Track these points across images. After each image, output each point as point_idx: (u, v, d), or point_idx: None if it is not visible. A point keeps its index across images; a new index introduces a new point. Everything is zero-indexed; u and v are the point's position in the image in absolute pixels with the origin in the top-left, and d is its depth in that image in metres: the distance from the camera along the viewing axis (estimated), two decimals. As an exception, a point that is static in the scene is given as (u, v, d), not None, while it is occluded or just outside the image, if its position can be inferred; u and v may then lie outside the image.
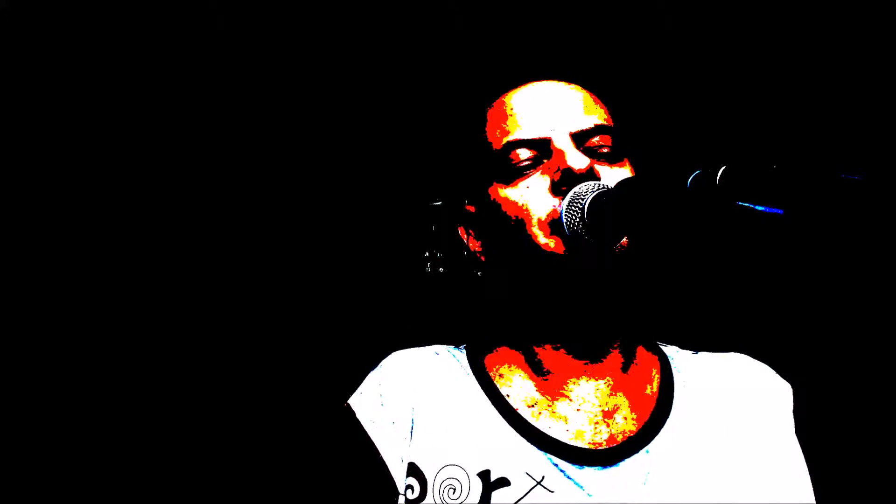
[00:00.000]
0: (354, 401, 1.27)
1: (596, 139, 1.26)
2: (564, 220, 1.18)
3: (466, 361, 1.31)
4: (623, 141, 1.30)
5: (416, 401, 1.25)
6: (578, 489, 1.18)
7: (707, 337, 1.44)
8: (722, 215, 0.96)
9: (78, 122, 1.89)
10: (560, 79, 1.33)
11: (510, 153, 1.25)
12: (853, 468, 1.44)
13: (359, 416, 1.24)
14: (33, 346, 1.85)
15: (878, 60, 1.85)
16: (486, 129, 1.31)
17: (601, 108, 1.31)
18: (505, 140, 1.26)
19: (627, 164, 1.29)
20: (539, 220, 1.21)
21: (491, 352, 1.32)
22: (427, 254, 1.39)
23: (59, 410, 1.84)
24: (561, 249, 1.20)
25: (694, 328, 1.59)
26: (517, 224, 1.22)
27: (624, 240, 1.21)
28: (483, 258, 1.32)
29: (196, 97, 1.91)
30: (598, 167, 1.23)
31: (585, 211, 1.15)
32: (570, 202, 1.18)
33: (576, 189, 1.19)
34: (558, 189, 1.21)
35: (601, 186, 1.18)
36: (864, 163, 1.80)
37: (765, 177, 0.94)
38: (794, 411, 1.30)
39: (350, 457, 1.23)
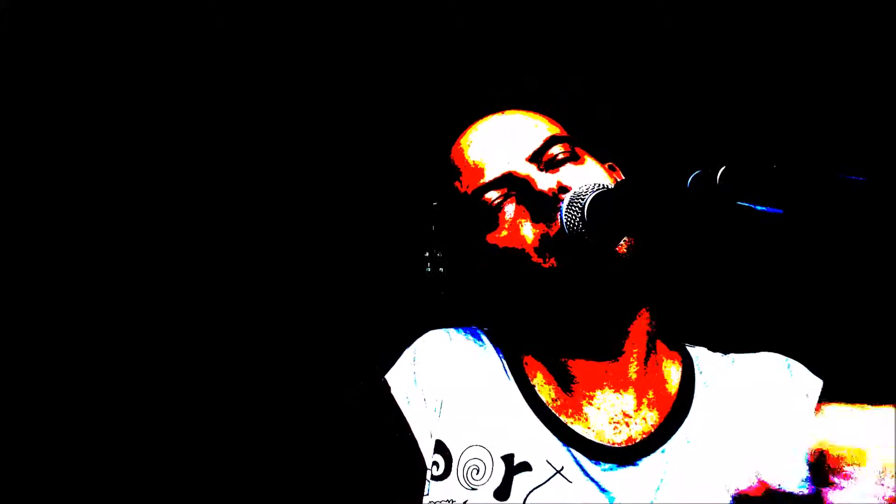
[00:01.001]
0: (391, 377, 1.28)
1: (551, 150, 1.29)
2: (564, 220, 1.18)
3: (503, 349, 1.33)
4: (577, 139, 1.32)
5: (447, 380, 1.27)
6: (595, 485, 1.19)
7: (704, 338, 1.44)
8: (722, 215, 0.96)
9: (78, 122, 1.89)
10: (498, 111, 1.37)
11: (481, 198, 1.28)
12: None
13: (393, 392, 1.26)
14: (33, 346, 1.85)
15: (878, 60, 1.86)
16: (455, 185, 1.33)
17: (543, 118, 1.34)
18: (473, 190, 1.29)
19: (587, 156, 1.31)
20: (531, 246, 1.23)
21: (525, 345, 1.33)
22: (427, 254, 1.39)
23: (59, 410, 1.84)
24: (556, 264, 1.21)
25: (692, 329, 1.59)
26: (516, 258, 1.24)
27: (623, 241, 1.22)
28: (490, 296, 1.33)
29: (196, 97, 1.91)
30: (565, 175, 1.26)
31: (585, 211, 1.16)
32: (570, 202, 1.18)
33: (575, 189, 1.20)
34: (538, 216, 1.23)
35: (601, 186, 1.18)
36: (865, 163, 1.80)
37: (765, 177, 0.94)
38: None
39: (383, 432, 1.25)
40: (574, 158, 1.29)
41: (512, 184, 1.27)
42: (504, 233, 1.26)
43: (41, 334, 1.86)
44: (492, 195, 1.27)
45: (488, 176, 1.28)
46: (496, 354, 1.32)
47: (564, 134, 1.33)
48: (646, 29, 1.92)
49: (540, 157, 1.28)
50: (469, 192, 1.30)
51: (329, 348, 1.87)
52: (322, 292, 1.93)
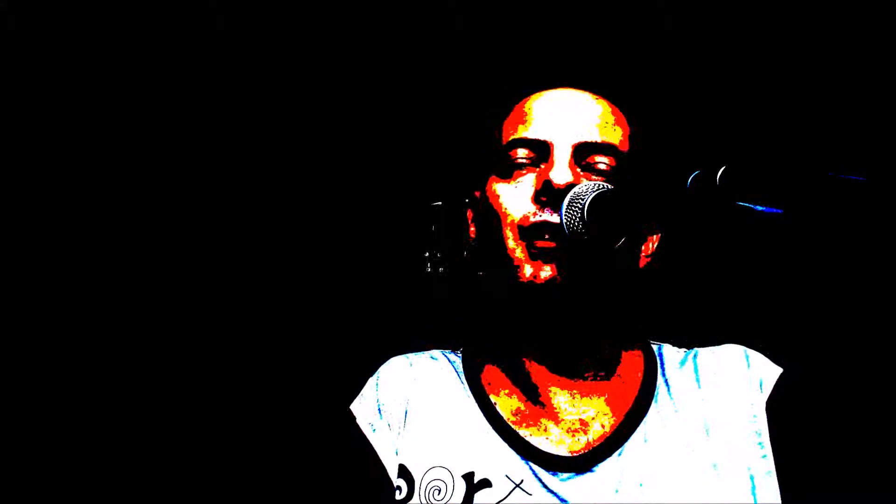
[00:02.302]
0: (355, 406, 1.31)
1: (598, 157, 1.26)
2: (564, 220, 1.18)
3: (462, 368, 1.34)
4: (629, 167, 1.28)
5: (409, 405, 1.29)
6: (554, 496, 1.20)
7: (706, 337, 1.44)
8: (722, 215, 0.96)
9: (78, 122, 1.88)
10: (591, 89, 1.33)
11: (511, 150, 1.27)
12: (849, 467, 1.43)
13: (359, 421, 1.28)
14: (33, 346, 1.85)
15: (878, 60, 1.85)
16: (503, 126, 1.32)
17: (620, 128, 1.30)
18: (510, 137, 1.28)
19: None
20: (512, 221, 1.23)
21: (484, 360, 1.34)
22: (427, 254, 1.40)
23: (59, 411, 1.84)
24: (520, 260, 1.22)
25: (692, 330, 1.59)
26: (497, 221, 1.25)
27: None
28: (475, 245, 1.35)
29: (196, 97, 1.91)
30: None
31: (585, 211, 1.16)
32: (570, 202, 1.18)
33: (576, 189, 1.19)
34: (538, 198, 1.23)
35: (601, 187, 1.18)
36: (864, 163, 1.80)
37: (765, 177, 0.94)
38: (781, 398, 1.27)
39: (350, 460, 1.27)
40: (612, 178, 1.24)
41: (545, 155, 1.25)
42: (503, 189, 1.26)
43: (41, 334, 1.86)
44: (521, 152, 1.26)
45: (528, 134, 1.27)
46: (455, 375, 1.33)
47: (625, 151, 1.28)
48: (646, 29, 1.92)
49: (584, 155, 1.25)
50: (506, 137, 1.29)
51: (293, 379, 1.86)
52: (321, 293, 1.92)
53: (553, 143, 1.25)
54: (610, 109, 1.31)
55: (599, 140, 1.26)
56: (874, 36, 1.85)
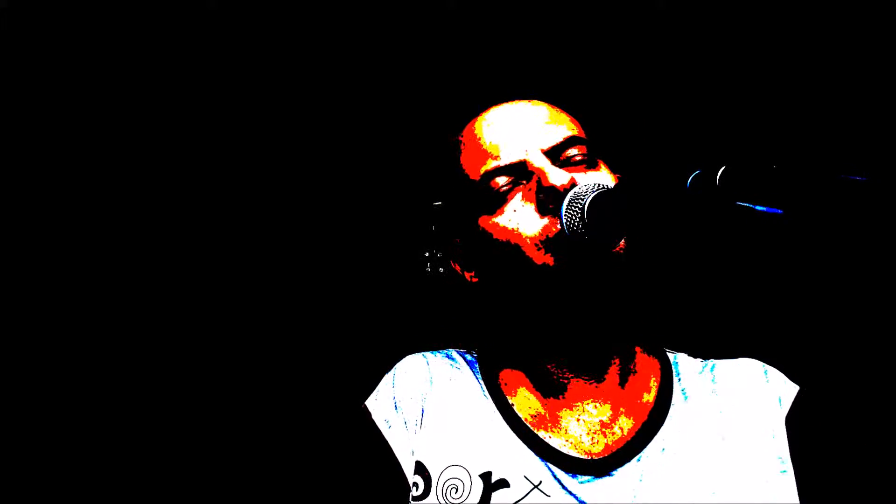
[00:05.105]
0: (370, 403, 1.30)
1: (568, 150, 1.28)
2: (564, 220, 1.18)
3: (478, 368, 1.35)
4: (595, 145, 1.31)
5: (426, 403, 1.28)
6: (573, 498, 1.20)
7: (705, 337, 1.44)
8: (722, 215, 0.96)
9: (78, 122, 1.89)
10: (522, 98, 1.35)
11: (489, 182, 1.27)
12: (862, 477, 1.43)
13: (374, 417, 1.28)
14: (34, 346, 1.85)
15: (878, 60, 1.85)
16: (462, 161, 1.32)
17: (566, 117, 1.33)
18: (482, 170, 1.28)
19: (603, 165, 1.30)
20: (532, 239, 1.22)
21: (500, 361, 1.34)
22: (427, 254, 1.40)
23: (59, 411, 1.84)
24: (552, 262, 1.21)
25: (693, 329, 1.59)
26: (511, 249, 1.24)
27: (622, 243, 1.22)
28: (477, 283, 1.34)
29: (195, 98, 1.91)
30: (577, 177, 1.24)
31: (585, 211, 1.16)
32: (570, 202, 1.18)
33: (576, 189, 1.20)
34: (545, 208, 1.23)
35: (601, 186, 1.18)
36: (865, 163, 1.80)
37: (765, 177, 0.94)
38: (799, 415, 1.28)
39: (366, 456, 1.26)
40: (591, 165, 1.28)
41: (523, 173, 1.26)
42: (504, 219, 1.25)
43: (41, 334, 1.86)
44: (500, 180, 1.26)
45: (501, 161, 1.27)
46: (472, 375, 1.33)
47: (584, 137, 1.32)
48: (646, 29, 1.92)
49: (557, 155, 1.27)
50: (477, 174, 1.29)
51: (308, 376, 1.86)
52: (326, 294, 1.92)
53: (527, 158, 1.26)
54: (549, 107, 1.33)
55: (562, 138, 1.28)
56: (874, 36, 1.85)
